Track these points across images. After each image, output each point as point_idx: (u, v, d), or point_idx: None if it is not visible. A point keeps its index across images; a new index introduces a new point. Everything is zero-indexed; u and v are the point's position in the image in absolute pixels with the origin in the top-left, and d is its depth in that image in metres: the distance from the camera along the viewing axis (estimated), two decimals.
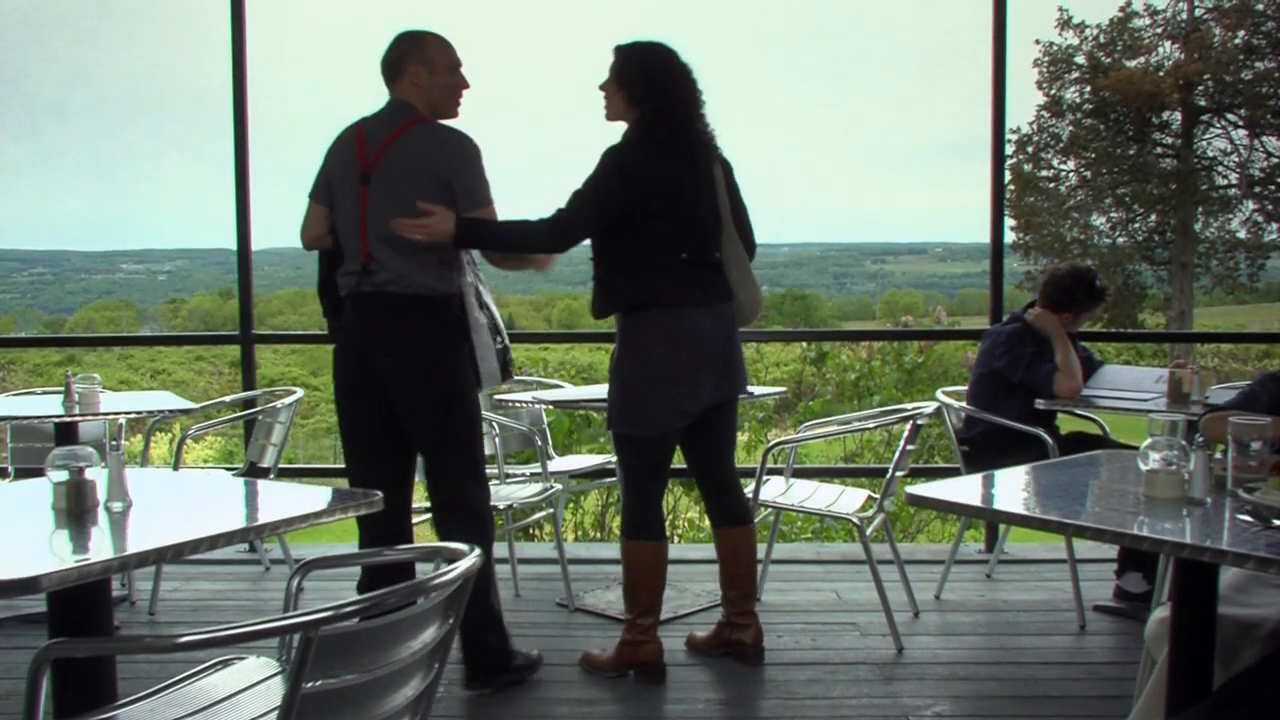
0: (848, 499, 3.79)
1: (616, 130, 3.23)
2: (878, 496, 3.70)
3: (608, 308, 3.24)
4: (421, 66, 3.12)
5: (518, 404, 4.43)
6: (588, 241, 3.21)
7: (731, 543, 3.40)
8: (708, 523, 3.60)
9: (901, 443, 3.67)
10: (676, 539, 6.73)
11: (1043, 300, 4.09)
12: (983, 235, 4.96)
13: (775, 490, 3.90)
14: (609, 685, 3.27)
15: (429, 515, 4.14)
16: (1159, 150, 24.70)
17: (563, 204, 3.14)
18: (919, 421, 3.65)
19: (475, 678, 3.21)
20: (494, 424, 4.15)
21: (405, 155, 3.07)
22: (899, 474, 3.69)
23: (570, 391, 4.67)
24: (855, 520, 3.56)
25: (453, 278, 3.15)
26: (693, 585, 4.18)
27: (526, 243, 3.17)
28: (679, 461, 3.49)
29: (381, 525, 3.12)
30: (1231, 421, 2.19)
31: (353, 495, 2.29)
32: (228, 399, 4.85)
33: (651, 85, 3.15)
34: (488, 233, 3.10)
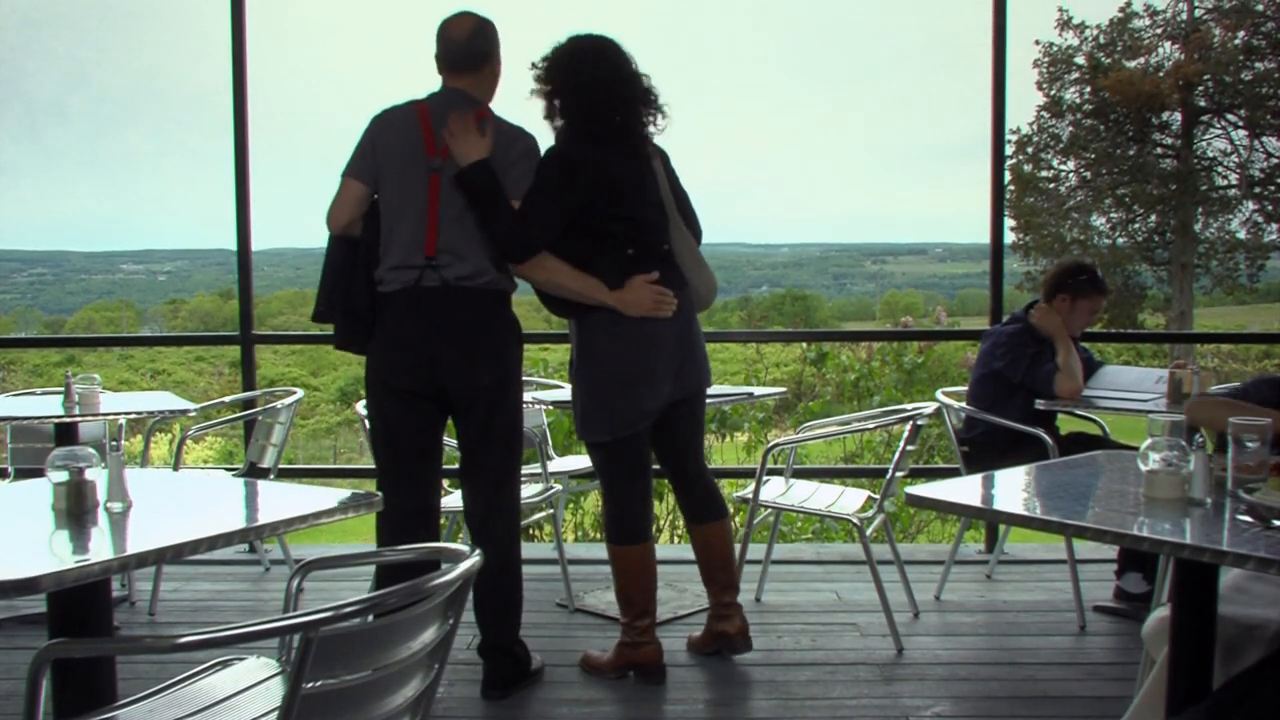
0: (848, 499, 3.79)
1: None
2: (877, 497, 3.70)
3: (563, 309, 3.19)
4: (499, 62, 3.10)
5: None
6: None
7: (704, 537, 3.39)
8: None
9: (901, 443, 3.67)
10: (675, 539, 6.72)
11: (1044, 294, 4.11)
12: (983, 236, 4.97)
13: (775, 491, 3.90)
14: (609, 686, 3.27)
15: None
16: (1159, 151, 24.71)
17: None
18: (919, 422, 3.65)
19: (497, 685, 3.17)
20: None
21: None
22: (899, 474, 3.69)
23: (570, 392, 4.67)
24: (855, 521, 3.56)
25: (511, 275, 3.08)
26: (692, 586, 4.17)
27: (491, 225, 2.96)
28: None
29: (413, 536, 3.04)
30: (1231, 422, 2.19)
31: (353, 496, 2.29)
32: (228, 399, 4.85)
33: (579, 83, 3.09)
34: (483, 189, 2.93)
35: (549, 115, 3.17)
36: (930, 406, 3.87)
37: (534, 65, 3.16)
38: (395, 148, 2.99)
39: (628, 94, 3.15)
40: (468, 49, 3.03)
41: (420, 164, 2.97)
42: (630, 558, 3.26)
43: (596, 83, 3.10)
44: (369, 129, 3.06)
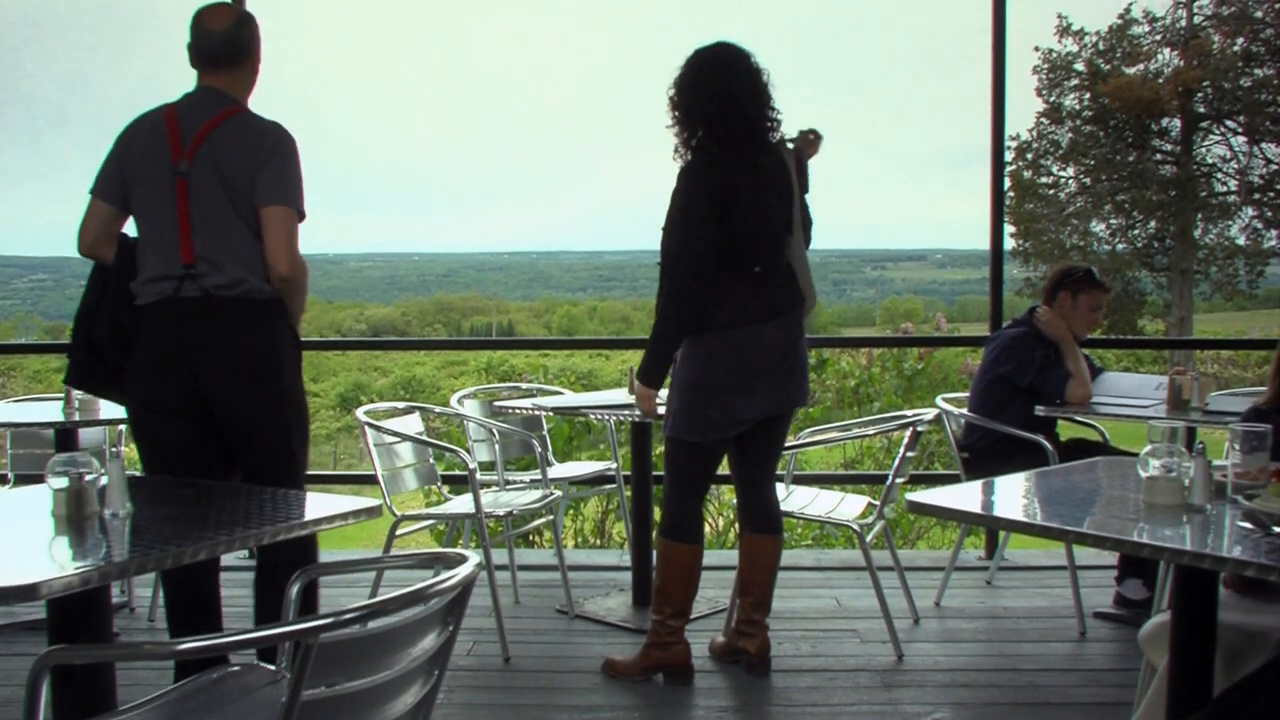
0: (848, 506, 3.79)
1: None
2: (877, 503, 3.70)
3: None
4: (259, 59, 2.91)
5: (517, 410, 4.43)
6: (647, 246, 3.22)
7: (755, 546, 3.39)
8: (707, 530, 3.59)
9: (901, 449, 3.67)
10: None
11: (1044, 297, 4.13)
12: (982, 242, 4.97)
13: None
14: (606, 692, 3.27)
15: (426, 524, 4.15)
16: (1158, 157, 24.76)
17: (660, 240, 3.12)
18: (919, 428, 3.65)
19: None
20: (494, 430, 4.15)
21: (231, 146, 2.76)
22: (899, 480, 3.69)
23: (570, 398, 4.67)
24: (855, 527, 3.56)
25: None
26: None
27: (669, 334, 3.14)
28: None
29: (192, 579, 2.92)
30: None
31: (353, 502, 2.29)
32: None
33: (701, 100, 3.09)
34: (649, 361, 3.20)
35: (681, 144, 3.15)
36: (930, 413, 3.86)
37: (669, 101, 3.15)
38: (140, 157, 2.80)
39: (752, 101, 3.11)
40: (226, 42, 2.82)
41: (165, 170, 2.76)
42: (681, 555, 3.26)
43: (717, 95, 3.08)
44: (116, 142, 2.86)
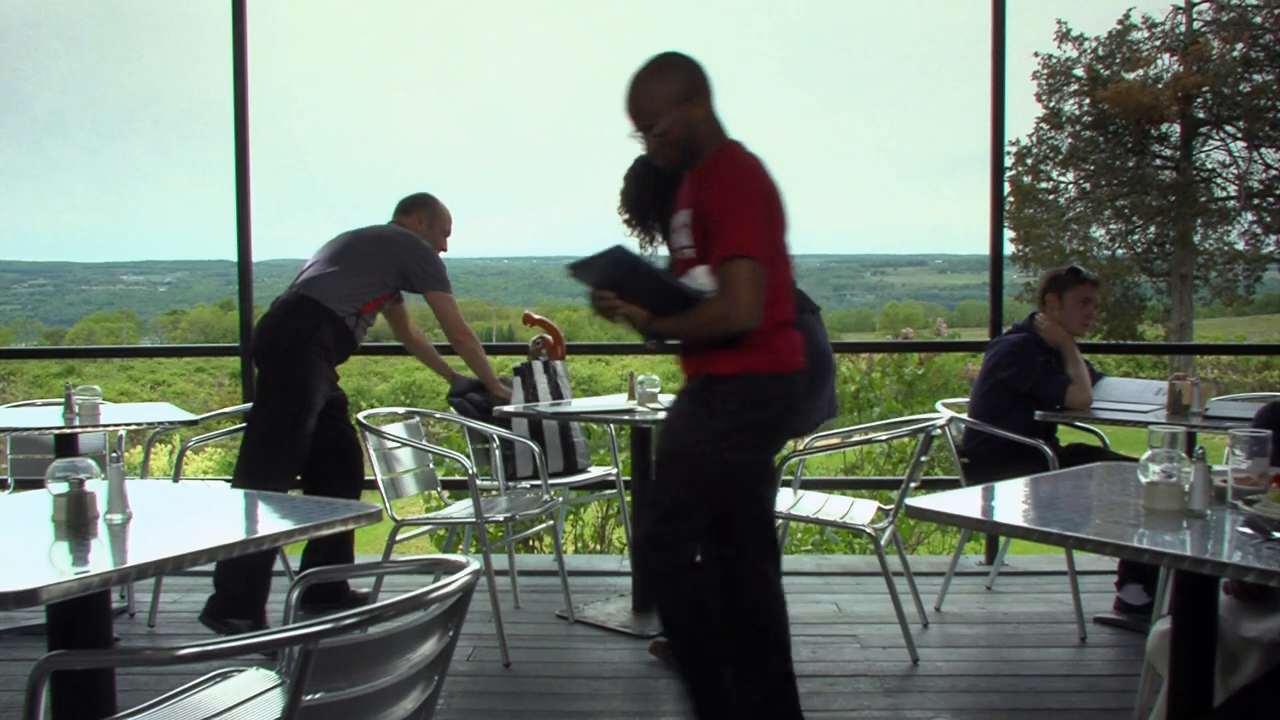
0: (858, 511, 3.77)
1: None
2: (886, 508, 3.69)
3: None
4: (426, 218, 4.17)
5: (518, 415, 4.42)
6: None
7: None
8: None
9: (915, 454, 3.66)
10: None
11: (1037, 306, 4.14)
12: (982, 247, 4.98)
13: (786, 502, 3.87)
14: (607, 698, 3.26)
15: (426, 529, 4.16)
16: (1158, 162, 24.78)
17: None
18: (932, 434, 3.64)
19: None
20: (494, 436, 4.15)
21: (371, 237, 4.05)
22: (912, 485, 3.68)
23: (571, 403, 4.67)
24: (870, 532, 3.54)
25: (338, 302, 3.86)
26: None
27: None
28: None
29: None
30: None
31: (349, 507, 2.29)
32: (228, 410, 4.85)
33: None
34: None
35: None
36: (942, 418, 3.86)
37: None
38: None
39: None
40: (407, 200, 4.21)
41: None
42: None
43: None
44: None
